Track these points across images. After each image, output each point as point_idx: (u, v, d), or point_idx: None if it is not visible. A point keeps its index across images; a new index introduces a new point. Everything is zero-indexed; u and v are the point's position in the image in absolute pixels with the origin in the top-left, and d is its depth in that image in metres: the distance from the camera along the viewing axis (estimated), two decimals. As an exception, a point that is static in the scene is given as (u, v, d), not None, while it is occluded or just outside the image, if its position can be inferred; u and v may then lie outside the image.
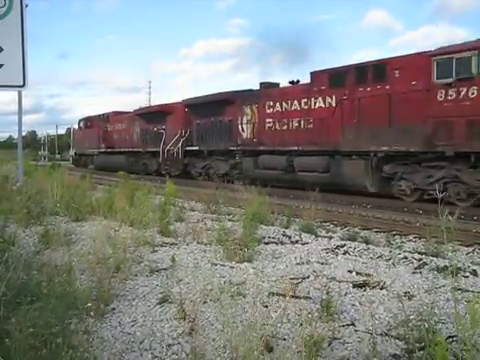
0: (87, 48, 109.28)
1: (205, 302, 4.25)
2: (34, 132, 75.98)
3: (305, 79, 16.62)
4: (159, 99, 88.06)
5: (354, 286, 4.75)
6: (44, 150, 62.10)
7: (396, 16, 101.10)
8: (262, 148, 17.68)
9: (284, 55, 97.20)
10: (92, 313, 3.59)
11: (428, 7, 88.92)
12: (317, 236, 7.64)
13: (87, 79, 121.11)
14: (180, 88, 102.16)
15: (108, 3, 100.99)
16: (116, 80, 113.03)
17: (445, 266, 5.46)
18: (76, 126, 37.03)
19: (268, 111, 17.56)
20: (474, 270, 5.40)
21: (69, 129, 69.36)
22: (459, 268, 5.38)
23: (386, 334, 3.56)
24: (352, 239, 7.46)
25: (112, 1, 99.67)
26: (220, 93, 20.57)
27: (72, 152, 36.18)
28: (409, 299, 4.34)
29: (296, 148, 15.97)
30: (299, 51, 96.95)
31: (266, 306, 4.08)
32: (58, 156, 59.33)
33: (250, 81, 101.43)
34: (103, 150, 31.49)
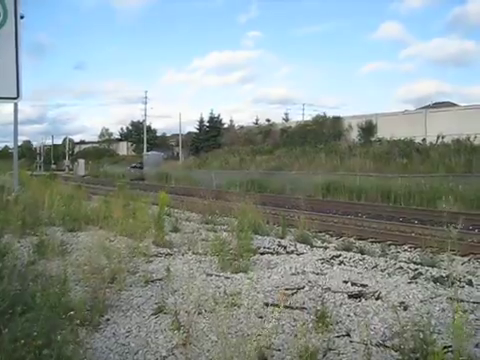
0: (102, 58, 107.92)
1: (200, 313, 4.23)
2: (29, 142, 75.25)
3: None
4: (154, 111, 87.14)
5: (349, 296, 4.74)
6: (40, 159, 62.02)
7: (409, 28, 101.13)
8: None
9: (291, 67, 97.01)
10: (80, 323, 3.55)
11: (443, 20, 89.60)
12: (312, 246, 7.64)
13: (96, 89, 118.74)
14: (183, 99, 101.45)
15: (130, 15, 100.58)
16: (124, 90, 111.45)
17: (441, 276, 5.47)
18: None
19: None
20: (470, 280, 5.40)
21: (65, 140, 68.77)
22: (455, 278, 5.38)
23: (381, 345, 3.55)
24: (347, 249, 7.46)
25: (134, 13, 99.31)
26: None
27: None
28: (404, 309, 4.34)
29: None
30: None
31: (261, 317, 4.06)
32: (53, 166, 59.23)
33: (252, 93, 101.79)
34: None
